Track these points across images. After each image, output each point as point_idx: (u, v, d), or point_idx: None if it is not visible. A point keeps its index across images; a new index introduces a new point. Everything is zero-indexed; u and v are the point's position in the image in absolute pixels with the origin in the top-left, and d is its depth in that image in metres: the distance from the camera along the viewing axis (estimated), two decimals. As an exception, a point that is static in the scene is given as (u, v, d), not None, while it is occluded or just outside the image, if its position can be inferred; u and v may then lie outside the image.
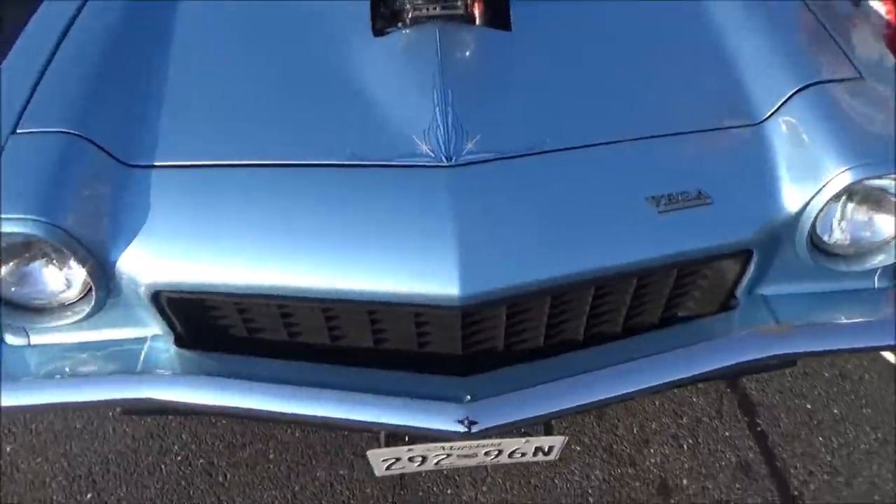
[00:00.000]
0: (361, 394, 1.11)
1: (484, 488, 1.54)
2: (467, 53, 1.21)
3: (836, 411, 1.66)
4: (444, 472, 1.55)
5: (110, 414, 1.68)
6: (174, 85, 1.25)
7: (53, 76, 1.19)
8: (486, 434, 1.07)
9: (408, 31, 1.25)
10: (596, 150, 1.11)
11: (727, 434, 1.62)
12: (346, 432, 1.60)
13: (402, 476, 1.55)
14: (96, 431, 1.65)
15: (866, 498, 1.50)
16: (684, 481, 1.54)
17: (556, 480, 1.54)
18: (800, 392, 1.70)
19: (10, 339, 1.21)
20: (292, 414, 1.11)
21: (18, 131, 1.10)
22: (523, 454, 1.20)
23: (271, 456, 1.61)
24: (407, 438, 1.15)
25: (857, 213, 1.14)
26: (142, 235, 1.08)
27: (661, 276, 1.13)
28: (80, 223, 1.04)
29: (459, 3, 1.27)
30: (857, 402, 1.67)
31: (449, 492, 1.53)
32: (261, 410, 1.12)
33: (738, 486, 1.52)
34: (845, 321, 1.19)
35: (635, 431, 1.62)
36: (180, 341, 1.18)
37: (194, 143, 1.16)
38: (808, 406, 1.67)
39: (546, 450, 1.19)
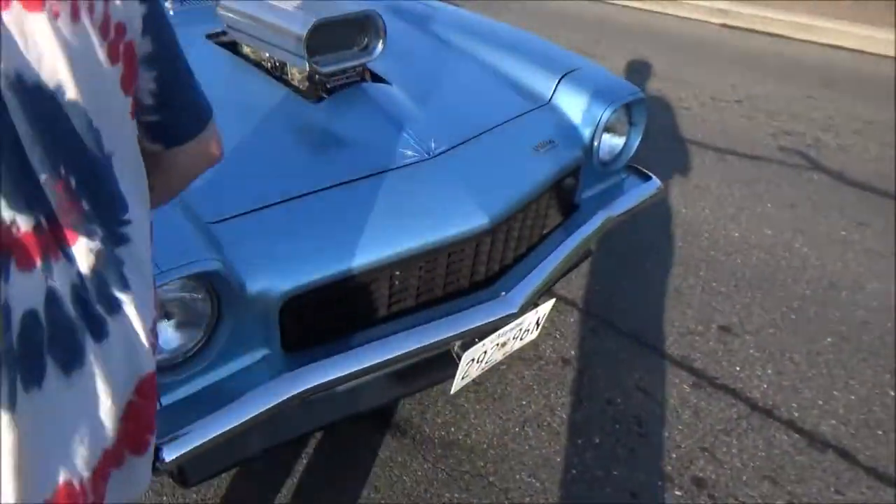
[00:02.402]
0: (445, 318, 1.56)
1: (472, 416, 2.01)
2: (386, 98, 1.77)
3: (609, 284, 2.61)
4: (440, 419, 1.98)
5: None
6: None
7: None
8: (523, 310, 1.63)
9: (337, 95, 1.75)
10: (492, 132, 1.79)
11: (571, 320, 2.42)
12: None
13: (413, 439, 1.92)
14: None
15: (654, 309, 2.46)
16: (571, 352, 2.27)
17: (508, 388, 2.11)
18: (587, 285, 2.61)
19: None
20: (404, 353, 1.48)
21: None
22: (528, 330, 1.78)
23: (305, 483, 1.80)
24: (477, 340, 1.62)
25: (609, 138, 2.06)
26: (257, 265, 1.34)
27: (546, 194, 1.85)
28: (221, 261, 1.27)
29: (356, 73, 1.82)
30: (614, 276, 2.66)
31: (453, 430, 1.96)
32: (378, 362, 1.46)
33: (597, 340, 2.33)
34: (626, 195, 2.10)
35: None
36: (287, 347, 1.44)
37: (242, 195, 1.45)
38: (597, 288, 2.59)
39: (539, 319, 1.78)
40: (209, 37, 2.03)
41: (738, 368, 2.25)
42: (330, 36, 1.72)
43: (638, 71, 5.03)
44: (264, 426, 1.51)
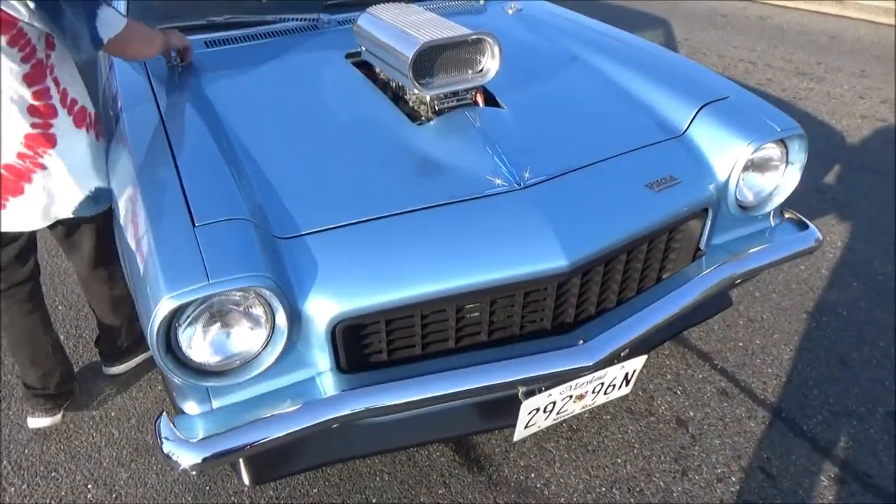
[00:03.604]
0: (506, 361, 1.47)
1: (557, 465, 1.88)
2: (492, 123, 1.71)
3: (757, 342, 2.28)
4: (523, 462, 1.87)
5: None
6: (271, 172, 1.58)
7: (192, 183, 1.46)
8: (601, 364, 1.48)
9: (441, 118, 1.73)
10: (603, 164, 1.64)
11: (700, 376, 2.15)
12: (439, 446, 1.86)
13: (489, 477, 1.84)
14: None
15: (805, 380, 2.10)
16: (690, 413, 2.02)
17: (606, 441, 1.94)
18: (731, 338, 2.31)
19: (193, 407, 1.38)
20: (458, 391, 1.42)
21: (197, 224, 1.36)
22: (613, 385, 1.61)
23: (374, 500, 1.80)
24: (543, 388, 1.50)
25: (755, 178, 1.79)
26: (317, 284, 1.37)
27: (661, 235, 1.66)
28: (276, 278, 1.31)
29: (469, 96, 1.79)
30: (766, 332, 2.32)
31: (533, 475, 1.85)
32: (440, 396, 1.41)
33: (725, 405, 2.04)
34: (767, 246, 1.82)
35: (640, 393, 2.08)
36: (341, 369, 1.45)
37: (320, 213, 1.48)
38: (741, 344, 2.28)
39: (628, 375, 1.61)
40: (348, 56, 2.11)
41: (902, 469, 1.84)
42: (443, 57, 1.71)
43: (860, 95, 4.36)
44: (323, 441, 1.55)
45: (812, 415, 2.00)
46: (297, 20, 2.31)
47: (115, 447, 2.00)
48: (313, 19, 2.32)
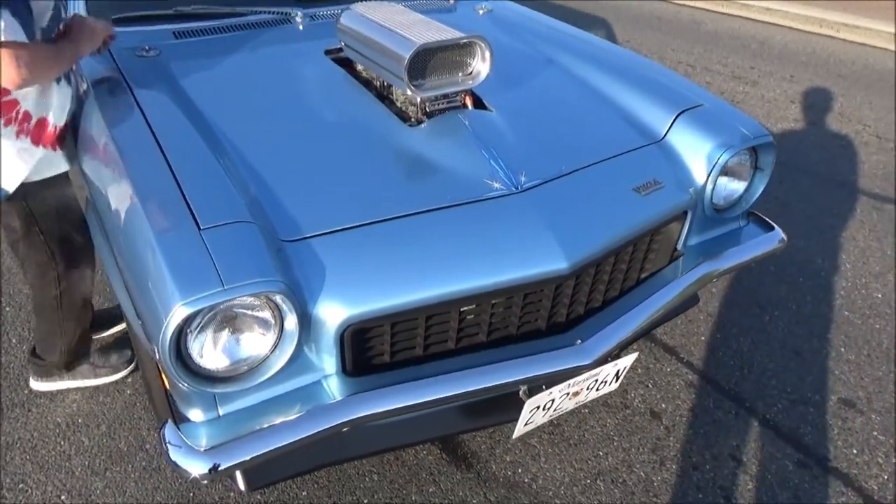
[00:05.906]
0: (509, 361, 1.50)
1: (542, 460, 1.93)
2: (483, 126, 1.74)
3: (718, 336, 2.41)
4: (510, 458, 1.92)
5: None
6: (265, 173, 1.56)
7: (190, 184, 1.42)
8: (599, 362, 1.54)
9: (434, 120, 1.74)
10: (592, 168, 1.70)
11: (669, 370, 2.25)
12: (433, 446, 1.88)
13: (478, 474, 1.88)
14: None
15: (763, 371, 2.24)
16: (662, 405, 2.12)
17: (586, 435, 2.01)
18: (693, 332, 2.42)
19: (198, 415, 1.35)
20: (464, 391, 1.45)
21: (203, 227, 1.32)
22: (605, 382, 1.68)
23: (365, 501, 1.81)
24: (544, 387, 1.55)
25: (728, 182, 1.89)
26: (325, 288, 1.36)
27: (645, 237, 1.73)
28: (287, 282, 1.30)
29: (458, 98, 1.80)
30: (725, 326, 2.45)
31: (520, 471, 1.89)
32: (447, 397, 1.43)
33: (694, 396, 2.15)
34: (739, 247, 1.93)
35: (615, 388, 2.17)
36: (349, 370, 1.45)
37: (323, 215, 1.47)
38: (703, 338, 2.40)
39: (619, 372, 1.68)
40: (328, 52, 2.09)
41: (855, 452, 1.99)
42: (436, 59, 1.71)
43: (792, 100, 4.63)
44: (322, 444, 1.54)
45: (773, 403, 2.14)
46: (268, 13, 2.27)
47: (87, 455, 1.92)
48: (285, 13, 2.28)
